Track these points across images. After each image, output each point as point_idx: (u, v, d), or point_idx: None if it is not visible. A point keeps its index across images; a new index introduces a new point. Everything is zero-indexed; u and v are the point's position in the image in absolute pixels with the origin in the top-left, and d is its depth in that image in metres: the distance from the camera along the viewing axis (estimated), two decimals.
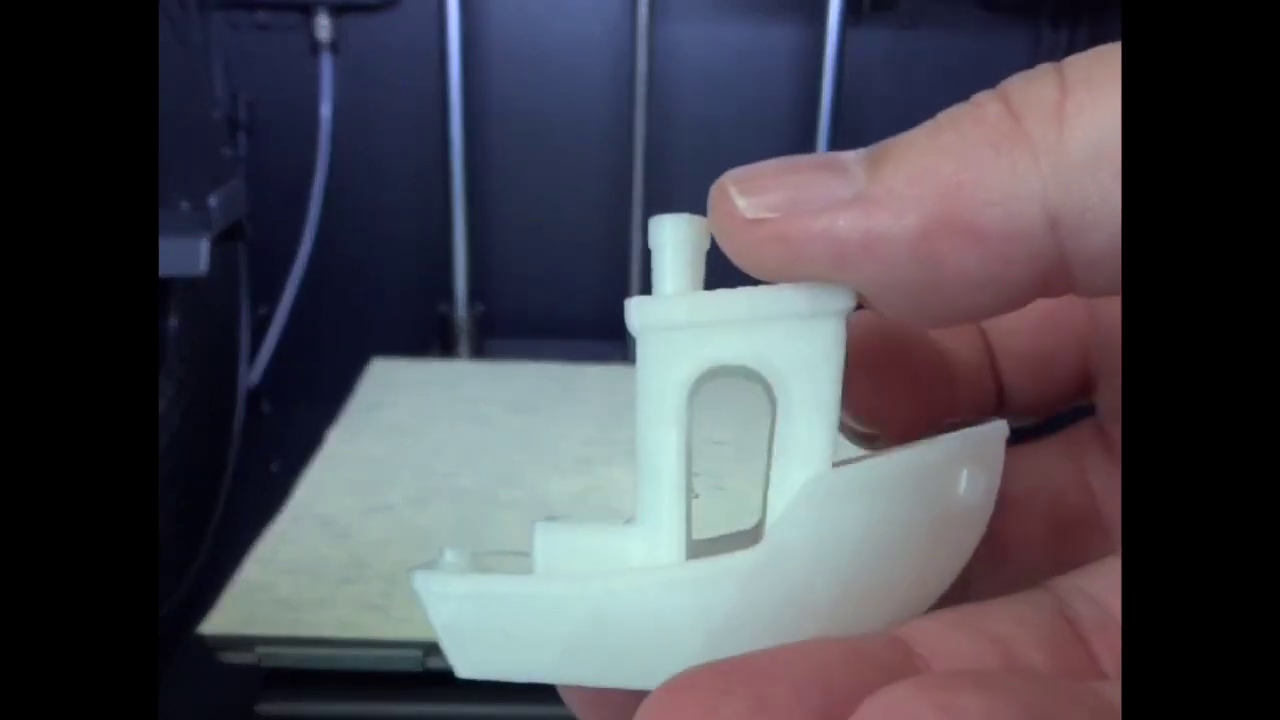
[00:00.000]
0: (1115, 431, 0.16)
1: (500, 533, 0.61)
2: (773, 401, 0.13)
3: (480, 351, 0.93)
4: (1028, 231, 0.12)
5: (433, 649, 0.51)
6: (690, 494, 0.13)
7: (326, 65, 0.87)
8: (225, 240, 0.73)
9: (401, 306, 0.94)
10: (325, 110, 0.88)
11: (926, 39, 0.88)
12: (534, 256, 0.93)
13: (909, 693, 0.10)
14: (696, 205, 0.14)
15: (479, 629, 0.13)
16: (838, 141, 0.88)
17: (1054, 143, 0.12)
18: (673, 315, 0.13)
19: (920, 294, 0.12)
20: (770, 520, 0.13)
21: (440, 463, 0.70)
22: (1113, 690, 0.11)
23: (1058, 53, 0.89)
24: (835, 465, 0.13)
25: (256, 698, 0.52)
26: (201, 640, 0.51)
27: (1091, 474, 0.17)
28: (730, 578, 0.12)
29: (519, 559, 0.14)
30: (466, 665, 0.14)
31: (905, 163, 0.12)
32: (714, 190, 0.13)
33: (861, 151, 0.13)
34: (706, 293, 0.13)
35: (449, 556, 0.14)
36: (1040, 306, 0.17)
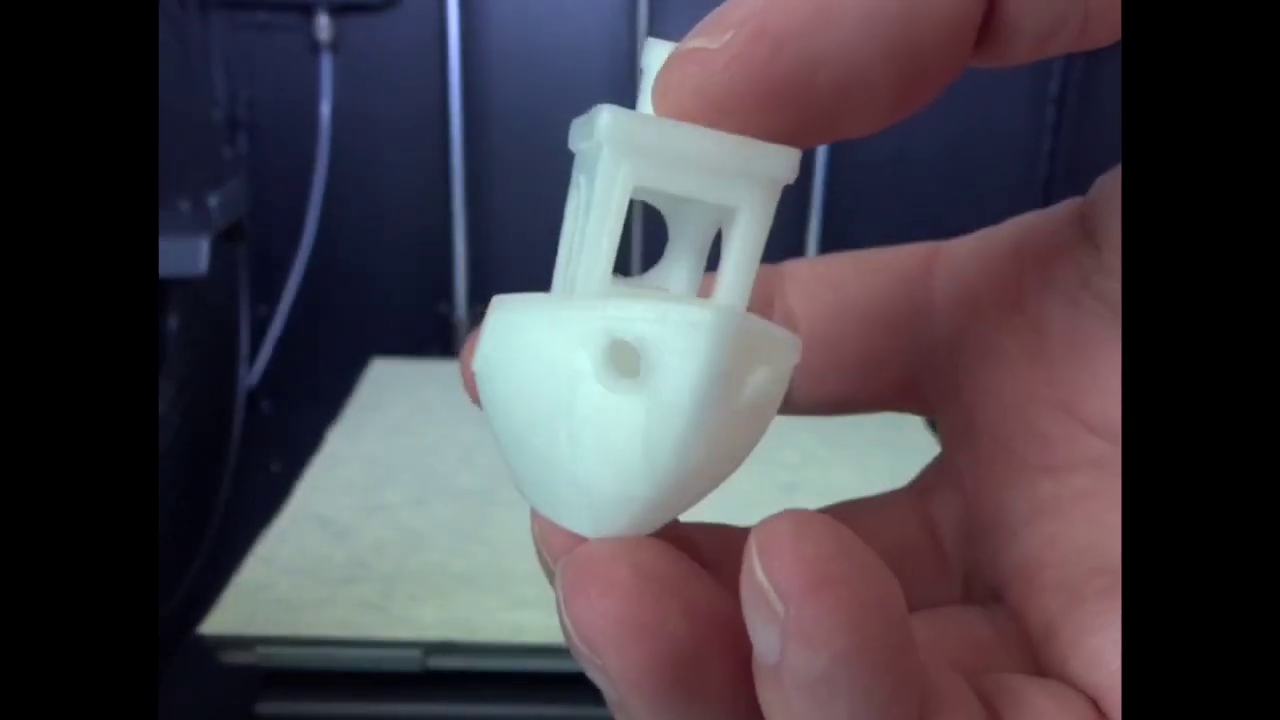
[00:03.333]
0: (962, 461, 0.16)
1: (500, 533, 0.61)
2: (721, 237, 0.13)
3: None
4: None
5: (432, 649, 0.52)
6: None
7: (326, 65, 0.87)
8: (225, 240, 0.73)
9: (401, 306, 0.94)
10: (325, 110, 0.88)
11: None
12: (534, 256, 0.93)
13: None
14: None
15: None
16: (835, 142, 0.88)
17: None
18: (643, 136, 0.12)
19: (909, 11, 0.12)
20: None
21: (440, 463, 0.70)
22: None
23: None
24: None
25: (256, 698, 0.52)
26: (201, 640, 0.51)
27: (938, 510, 0.17)
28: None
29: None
30: None
31: None
32: (666, 63, 0.13)
33: None
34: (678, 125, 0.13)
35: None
36: (868, 314, 0.17)
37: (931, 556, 0.17)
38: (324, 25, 0.86)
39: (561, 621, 0.12)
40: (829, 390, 0.17)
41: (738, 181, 0.13)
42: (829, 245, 0.93)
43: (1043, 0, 0.12)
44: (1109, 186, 0.15)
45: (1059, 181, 0.93)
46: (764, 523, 0.11)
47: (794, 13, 0.12)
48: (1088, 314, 0.15)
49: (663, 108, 0.13)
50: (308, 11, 0.86)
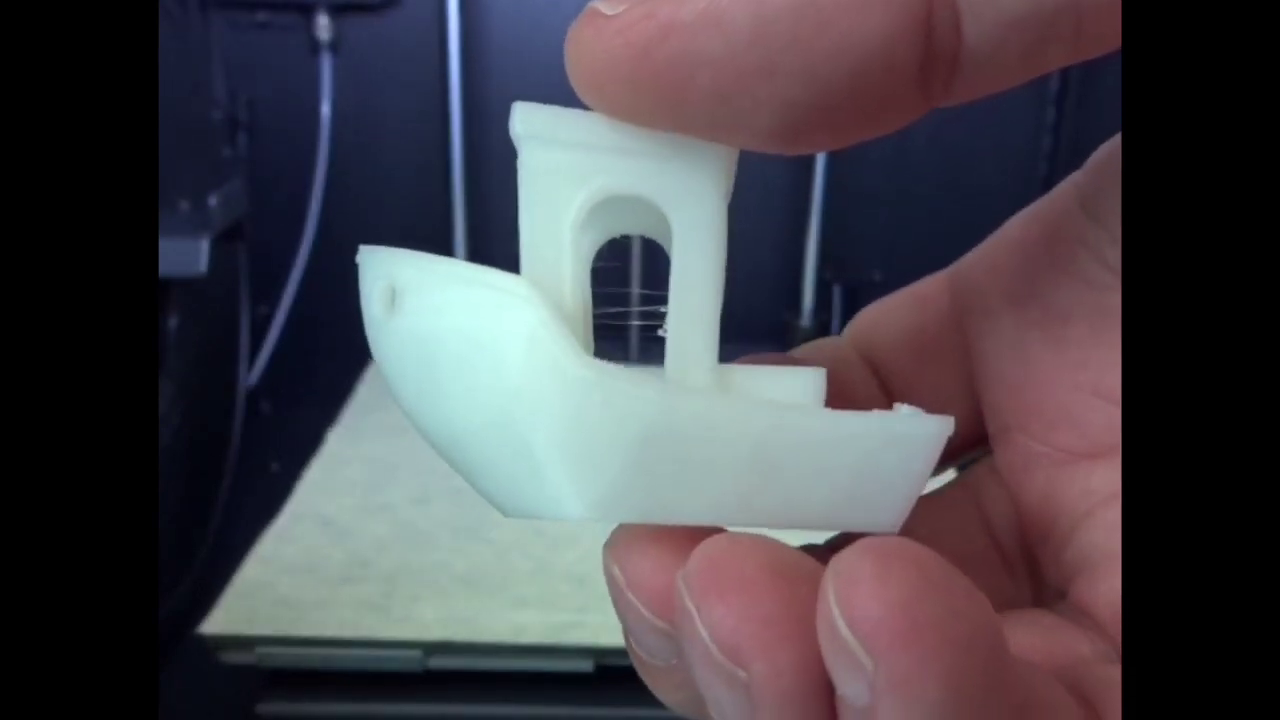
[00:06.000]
0: (1004, 464, 0.16)
1: (500, 532, 0.61)
2: (668, 238, 0.13)
3: None
4: None
5: (433, 649, 0.52)
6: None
7: (326, 65, 0.87)
8: (225, 240, 0.73)
9: None
10: (325, 110, 0.88)
11: None
12: None
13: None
14: None
15: None
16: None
17: None
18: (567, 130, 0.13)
19: (805, 33, 0.11)
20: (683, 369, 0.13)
21: (440, 463, 0.69)
22: None
23: None
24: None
25: (256, 698, 0.52)
26: (201, 640, 0.51)
27: (993, 514, 0.16)
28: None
29: None
30: None
31: None
32: (578, 18, 0.12)
33: None
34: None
35: None
36: (924, 352, 0.16)
37: (997, 560, 0.16)
38: (324, 25, 0.86)
39: (691, 640, 0.11)
40: None
41: (666, 176, 0.13)
42: (829, 245, 0.93)
43: (1013, 14, 0.11)
44: (1105, 161, 0.15)
45: (1059, 181, 0.93)
46: (841, 560, 0.10)
47: (685, 6, 0.11)
48: (1104, 290, 0.14)
49: (566, 63, 0.12)
50: (308, 11, 0.86)
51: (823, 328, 0.95)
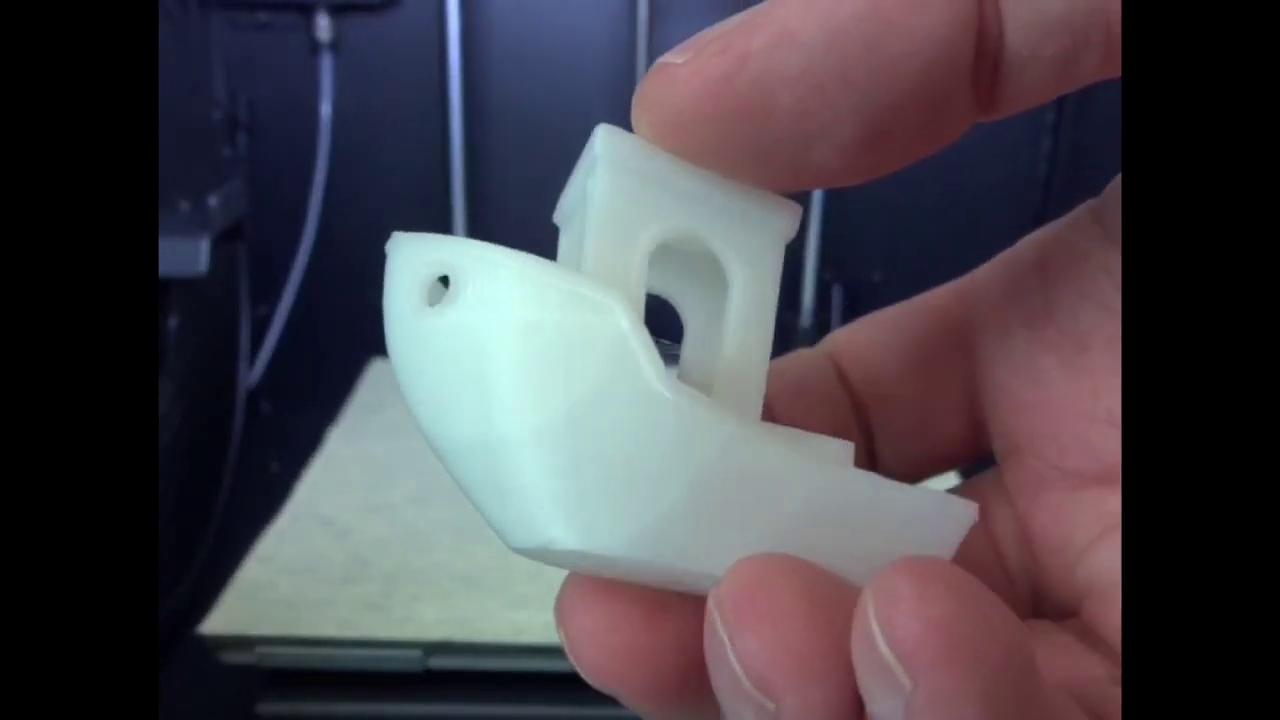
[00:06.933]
0: (1014, 483, 0.16)
1: None
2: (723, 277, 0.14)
3: None
4: None
5: (433, 649, 0.52)
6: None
7: (326, 65, 0.87)
8: (225, 240, 0.73)
9: None
10: (325, 110, 0.88)
11: None
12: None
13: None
14: None
15: None
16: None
17: None
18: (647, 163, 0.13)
19: (875, 36, 0.12)
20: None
21: (440, 463, 0.70)
22: None
23: None
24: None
25: (256, 698, 0.52)
26: (201, 640, 0.51)
27: (997, 527, 0.16)
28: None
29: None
30: None
31: None
32: (644, 79, 0.12)
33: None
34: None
35: None
36: (922, 364, 0.17)
37: (1001, 576, 0.16)
38: (324, 25, 0.86)
39: (720, 666, 0.11)
40: (907, 454, 0.17)
41: (732, 227, 0.13)
42: (829, 246, 0.93)
43: (1050, 16, 0.12)
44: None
45: (1059, 181, 0.93)
46: (880, 579, 0.10)
47: (758, 32, 0.12)
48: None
49: (636, 123, 0.13)
50: (308, 11, 0.86)
51: (823, 327, 0.95)
